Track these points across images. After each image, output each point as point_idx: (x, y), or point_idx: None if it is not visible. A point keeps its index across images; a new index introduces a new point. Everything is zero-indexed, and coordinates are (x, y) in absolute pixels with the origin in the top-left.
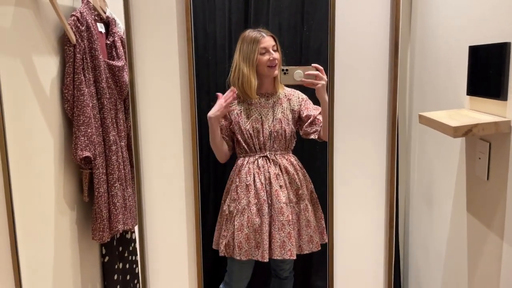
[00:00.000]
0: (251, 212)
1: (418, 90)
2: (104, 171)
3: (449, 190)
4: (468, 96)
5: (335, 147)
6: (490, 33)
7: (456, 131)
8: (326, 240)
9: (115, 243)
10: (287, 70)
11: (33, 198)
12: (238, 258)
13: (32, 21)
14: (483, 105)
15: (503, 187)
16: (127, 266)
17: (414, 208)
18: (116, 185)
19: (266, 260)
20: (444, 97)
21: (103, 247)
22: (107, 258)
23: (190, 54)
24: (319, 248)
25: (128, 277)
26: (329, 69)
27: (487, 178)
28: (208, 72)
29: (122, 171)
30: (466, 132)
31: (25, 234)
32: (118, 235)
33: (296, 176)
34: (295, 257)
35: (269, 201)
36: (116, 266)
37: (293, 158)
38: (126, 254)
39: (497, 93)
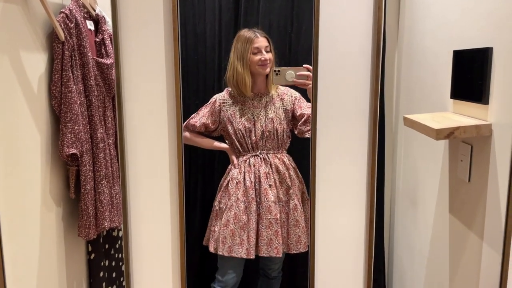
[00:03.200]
0: (238, 208)
1: (405, 93)
2: (91, 168)
3: (433, 191)
4: (452, 100)
5: (317, 145)
6: (473, 38)
7: (438, 134)
8: None
9: (101, 241)
10: (279, 71)
11: (19, 194)
12: (220, 253)
13: (20, 17)
14: (466, 109)
15: (483, 189)
16: (113, 263)
17: (399, 208)
18: (103, 182)
19: (252, 257)
20: (429, 100)
21: (89, 244)
22: (93, 255)
23: (176, 52)
24: (307, 249)
25: (114, 274)
26: (313, 69)
27: (469, 180)
28: (198, 72)
29: (110, 168)
30: (448, 134)
31: (10, 230)
32: (104, 233)
33: (287, 175)
34: (281, 255)
35: (258, 199)
36: (102, 264)
37: (286, 158)
38: (112, 252)
39: (479, 97)
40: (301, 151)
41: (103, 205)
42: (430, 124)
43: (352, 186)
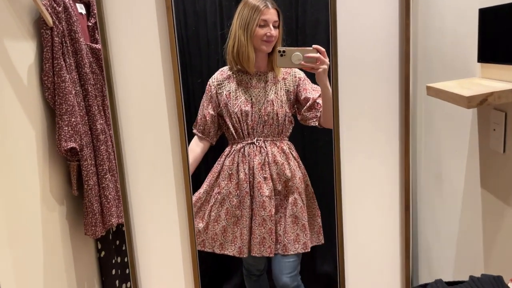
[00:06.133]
0: (230, 203)
1: (423, 61)
2: (93, 162)
3: (460, 165)
4: (480, 64)
5: (341, 138)
6: None
7: (470, 101)
8: (322, 241)
9: (111, 237)
10: (284, 51)
11: (16, 194)
12: (210, 250)
13: (3, 3)
14: (497, 72)
15: None
16: (126, 259)
17: (423, 185)
18: (106, 176)
19: (245, 255)
20: (452, 67)
21: (98, 242)
22: (103, 253)
23: (171, 25)
24: (308, 250)
25: (127, 271)
26: (331, 40)
27: (504, 151)
28: (200, 52)
29: (113, 161)
30: (481, 101)
31: (10, 233)
32: (114, 228)
33: (286, 166)
34: (273, 255)
35: (252, 193)
36: (113, 261)
37: (286, 146)
38: (123, 248)
39: None
40: (312, 131)
41: (108, 200)
42: (459, 91)
43: (382, 167)
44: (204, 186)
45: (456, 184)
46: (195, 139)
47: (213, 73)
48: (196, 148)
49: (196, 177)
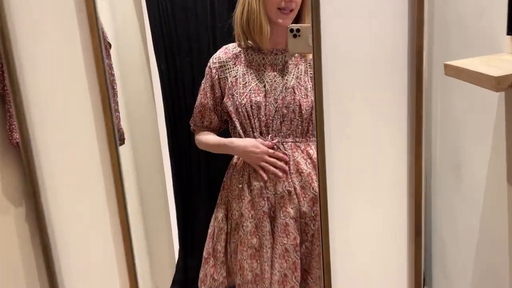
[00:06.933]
0: (244, 229)
1: (441, 35)
2: None
3: (483, 156)
4: (509, 37)
5: (325, 109)
6: None
7: (499, 83)
8: None
9: None
10: (298, 30)
11: None
12: None
13: None
14: None
15: None
16: None
17: (438, 176)
18: None
19: None
20: (475, 41)
21: None
22: None
23: None
24: None
25: None
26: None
27: None
28: (188, 27)
29: None
30: None
31: None
32: None
33: (313, 176)
34: None
35: (271, 214)
36: None
37: (313, 149)
38: None
39: None
40: None
41: None
42: (486, 70)
43: (388, 175)
44: (222, 211)
45: (477, 178)
46: (203, 134)
47: (204, 50)
48: (209, 135)
49: (194, 182)
